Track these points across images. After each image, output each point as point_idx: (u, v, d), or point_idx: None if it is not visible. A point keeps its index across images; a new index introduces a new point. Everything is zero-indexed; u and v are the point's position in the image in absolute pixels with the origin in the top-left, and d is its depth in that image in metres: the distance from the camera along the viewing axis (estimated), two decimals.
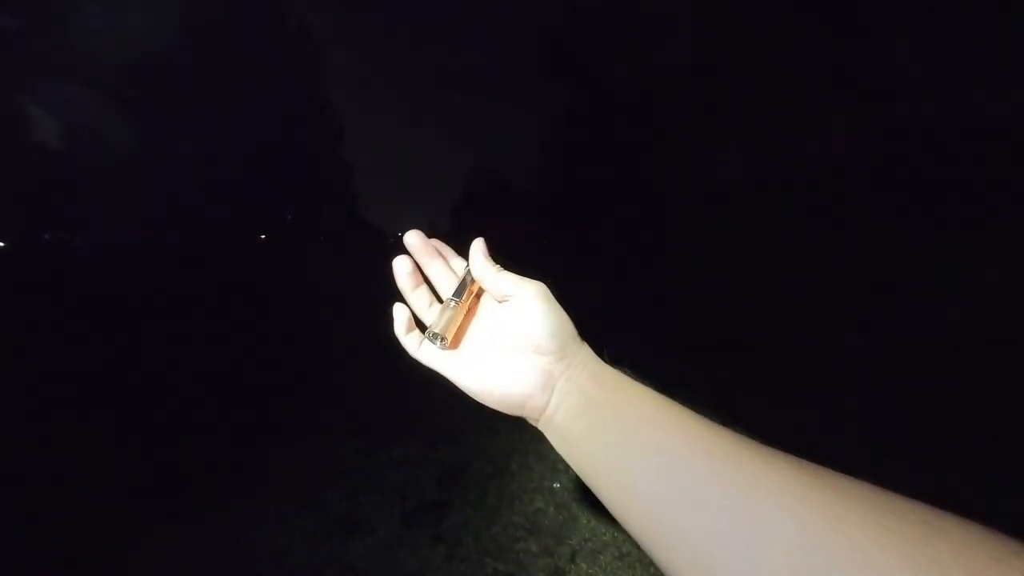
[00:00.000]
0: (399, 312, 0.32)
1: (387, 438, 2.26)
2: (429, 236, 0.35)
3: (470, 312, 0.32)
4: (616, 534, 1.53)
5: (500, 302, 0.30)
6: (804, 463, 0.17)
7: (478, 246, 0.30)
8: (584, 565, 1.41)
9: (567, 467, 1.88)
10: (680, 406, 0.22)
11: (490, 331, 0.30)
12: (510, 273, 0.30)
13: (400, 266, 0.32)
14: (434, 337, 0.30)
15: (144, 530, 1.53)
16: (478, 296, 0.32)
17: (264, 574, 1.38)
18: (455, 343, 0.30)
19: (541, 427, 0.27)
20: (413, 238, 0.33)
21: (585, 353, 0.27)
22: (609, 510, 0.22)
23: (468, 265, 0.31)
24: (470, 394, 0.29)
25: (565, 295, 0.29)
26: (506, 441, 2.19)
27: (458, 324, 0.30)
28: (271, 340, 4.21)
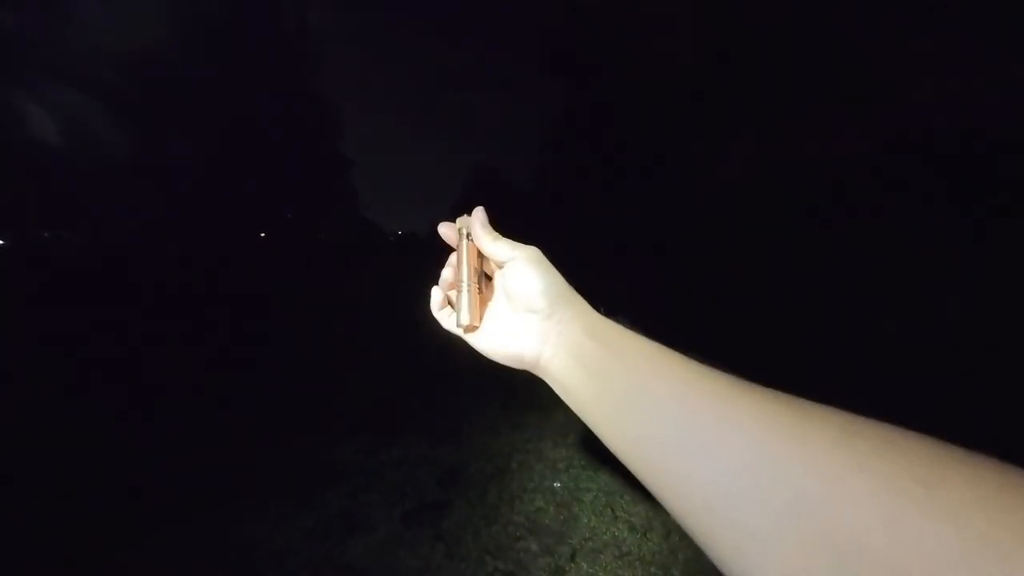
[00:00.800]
0: (435, 293, 0.34)
1: (387, 437, 2.28)
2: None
3: (488, 290, 0.34)
4: (616, 533, 1.53)
5: (499, 267, 0.32)
6: (784, 396, 0.18)
7: (478, 214, 0.32)
8: (584, 564, 1.41)
9: (568, 466, 1.95)
10: (670, 351, 0.23)
11: (496, 294, 0.33)
12: (507, 240, 0.31)
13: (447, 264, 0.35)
14: (465, 329, 0.32)
15: (144, 529, 1.53)
16: (487, 275, 0.34)
17: (264, 573, 1.38)
18: (479, 323, 0.32)
19: (541, 376, 0.28)
20: (445, 229, 0.35)
21: (577, 308, 0.28)
22: (607, 447, 0.23)
23: (467, 232, 0.32)
24: (480, 351, 0.31)
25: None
26: (506, 440, 2.20)
27: (477, 306, 0.32)
28: (271, 339, 4.20)
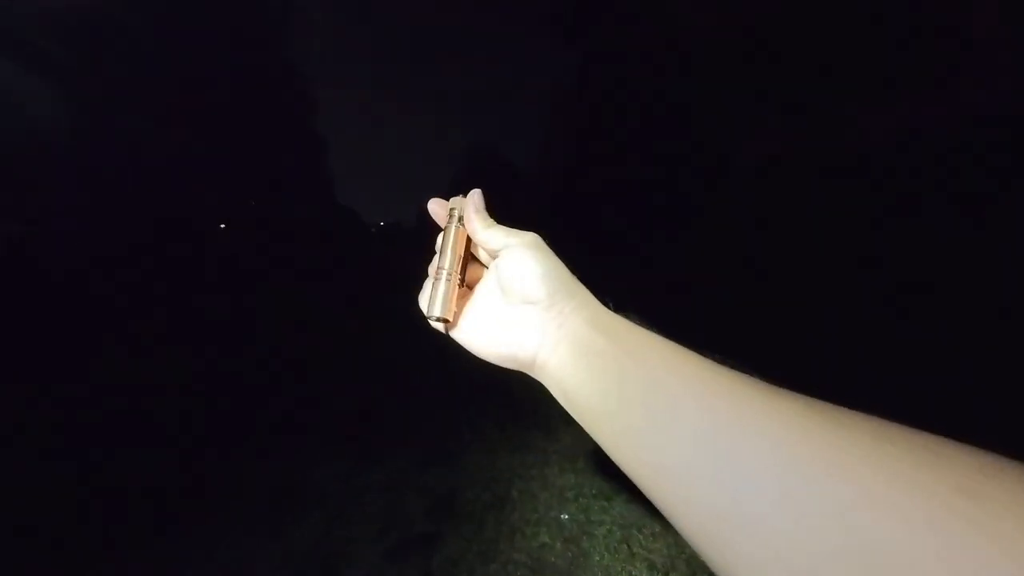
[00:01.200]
0: (426, 285, 0.35)
1: (368, 460, 2.28)
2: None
3: (471, 283, 0.34)
4: (633, 573, 1.52)
5: (493, 257, 0.32)
6: (811, 400, 0.18)
7: (474, 197, 0.33)
8: None
9: (577, 494, 1.94)
10: (685, 349, 0.23)
11: (487, 285, 0.33)
12: (502, 226, 0.32)
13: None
14: (436, 321, 0.32)
15: (91, 561, 1.53)
16: (468, 262, 0.34)
17: None
18: (456, 319, 0.33)
19: (537, 377, 0.29)
20: (435, 206, 0.35)
21: (580, 299, 0.28)
22: (612, 459, 0.23)
23: (458, 215, 0.33)
24: (469, 350, 0.32)
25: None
26: (506, 464, 2.20)
27: (454, 299, 0.32)
28: (232, 345, 4.21)
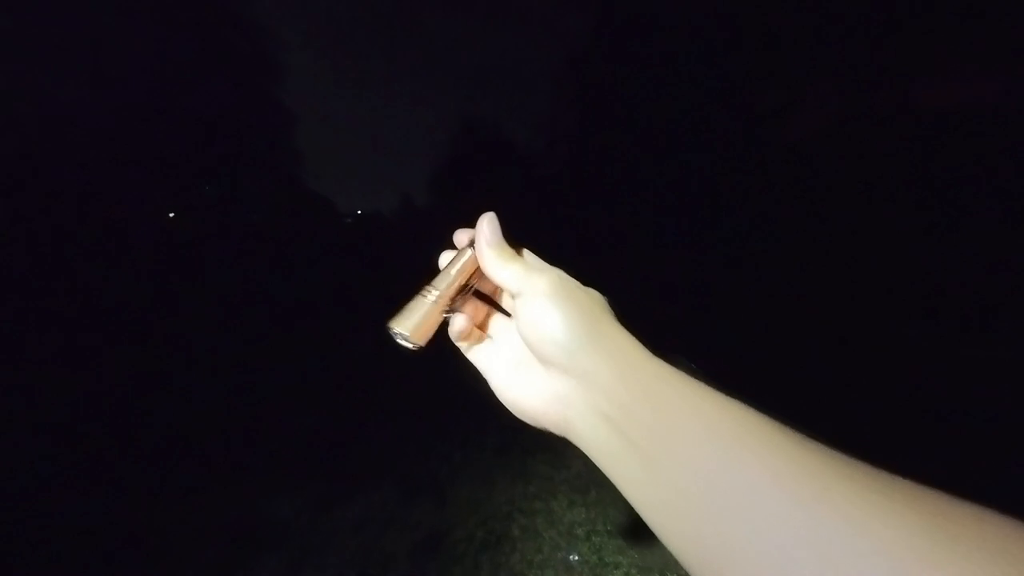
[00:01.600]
0: (455, 320, 0.36)
1: (339, 491, 2.25)
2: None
3: (481, 305, 0.37)
4: None
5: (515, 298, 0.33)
6: (883, 475, 0.19)
7: (486, 225, 0.33)
8: None
9: (589, 532, 1.91)
10: (747, 409, 0.23)
11: (515, 331, 0.35)
12: (520, 262, 0.32)
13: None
14: (396, 335, 0.33)
15: None
16: (470, 291, 0.36)
17: None
18: (428, 342, 0.34)
19: (571, 439, 0.30)
20: (462, 236, 0.37)
21: (607, 354, 0.28)
22: (651, 528, 0.24)
23: (470, 245, 0.34)
24: (502, 402, 0.34)
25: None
26: (505, 496, 2.18)
27: (431, 325, 0.33)
28: (184, 353, 4.18)
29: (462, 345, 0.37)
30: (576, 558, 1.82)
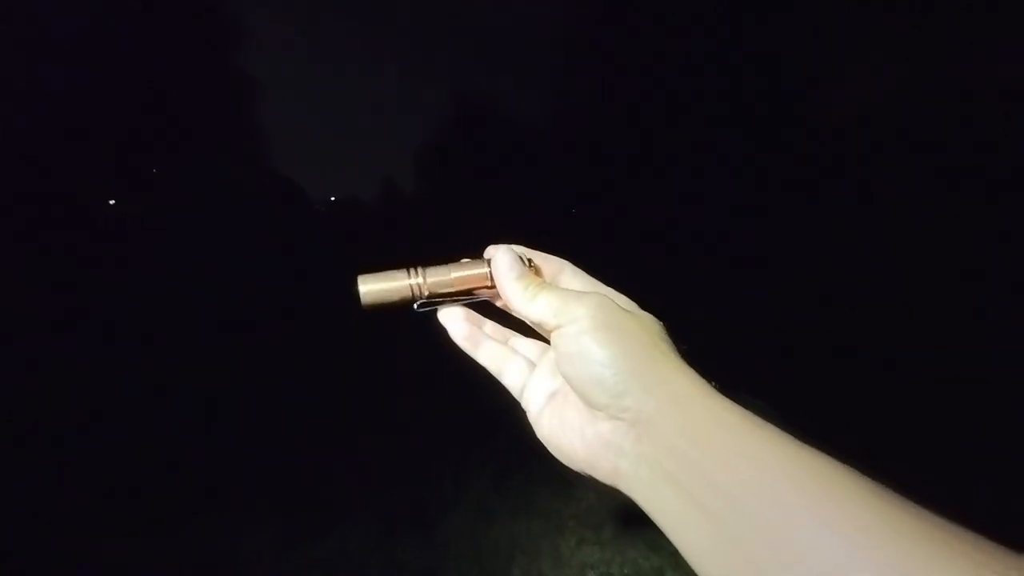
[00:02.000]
0: (450, 323, 0.39)
1: (313, 526, 2.23)
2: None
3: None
4: None
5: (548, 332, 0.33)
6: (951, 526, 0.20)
7: (502, 257, 0.34)
8: None
9: (603, 575, 1.92)
10: (827, 459, 0.23)
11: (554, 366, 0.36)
12: (552, 291, 0.32)
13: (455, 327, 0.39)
14: (357, 287, 0.36)
15: None
16: (470, 299, 0.38)
17: None
18: (375, 310, 0.37)
19: (626, 493, 0.30)
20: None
21: (664, 396, 0.28)
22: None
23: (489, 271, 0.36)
24: (547, 447, 0.35)
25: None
26: (504, 533, 2.18)
27: (389, 296, 0.36)
28: (129, 359, 4.22)
29: (488, 362, 0.38)
30: None
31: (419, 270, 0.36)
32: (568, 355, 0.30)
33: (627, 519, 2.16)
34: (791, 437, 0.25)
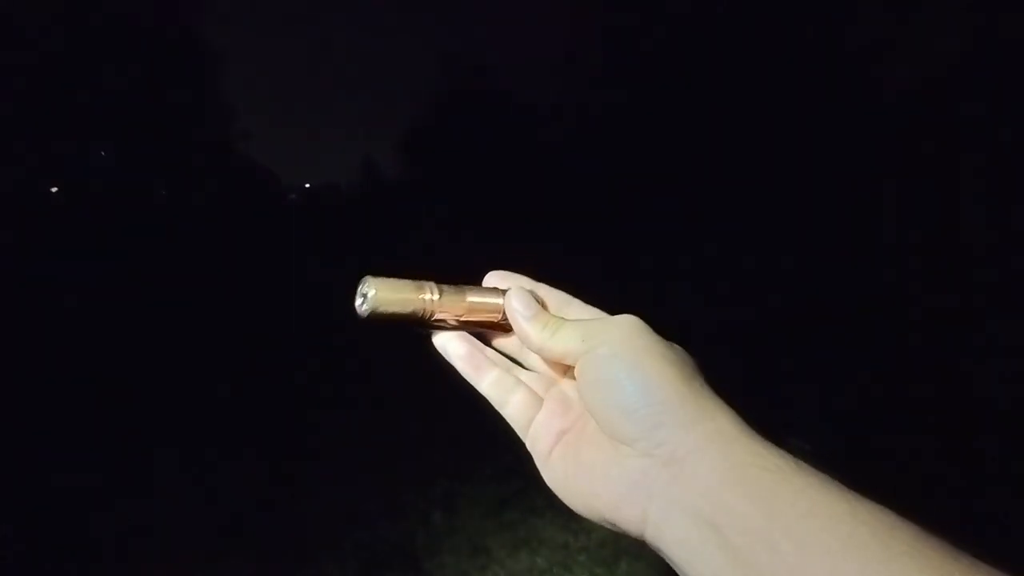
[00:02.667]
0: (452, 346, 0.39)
1: (284, 559, 2.14)
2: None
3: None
4: None
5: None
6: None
7: (517, 300, 0.35)
8: None
9: None
10: (880, 510, 0.24)
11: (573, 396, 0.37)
12: (576, 321, 0.34)
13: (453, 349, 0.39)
14: (362, 289, 0.35)
15: None
16: (478, 328, 0.39)
17: None
18: (379, 321, 0.36)
19: (652, 545, 0.30)
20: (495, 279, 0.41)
21: (704, 433, 0.27)
22: None
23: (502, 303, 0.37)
24: (557, 493, 0.35)
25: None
26: (504, 571, 2.09)
27: (399, 311, 0.35)
28: (64, 374, 4.01)
29: (489, 391, 0.37)
30: None
31: (434, 287, 0.35)
32: (596, 382, 0.30)
33: (643, 554, 2.05)
34: (838, 483, 0.25)
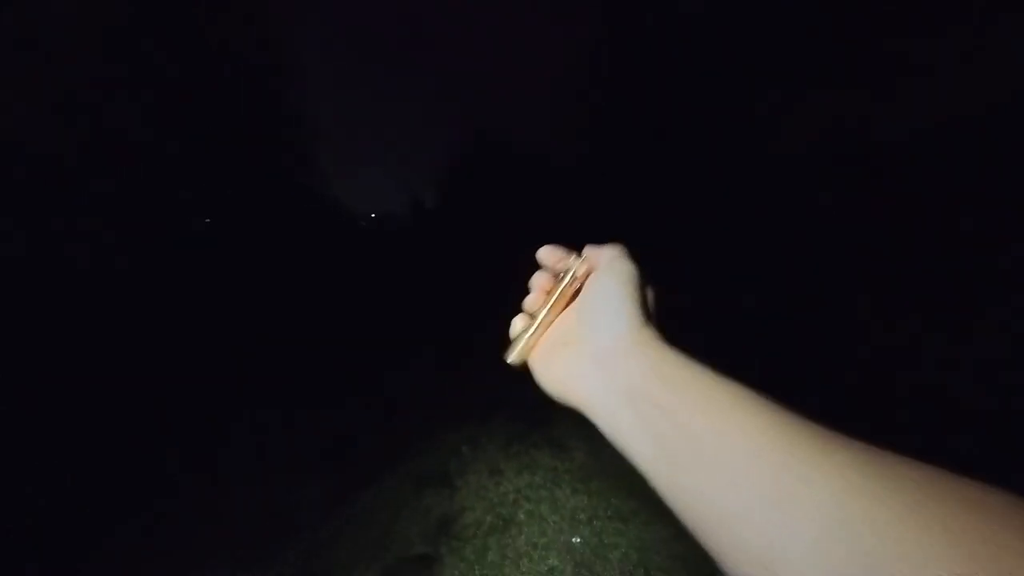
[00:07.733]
0: (516, 320, 0.41)
1: (355, 482, 2.51)
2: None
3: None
4: None
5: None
6: (874, 451, 0.22)
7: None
8: None
9: (591, 517, 2.16)
10: (748, 391, 0.26)
11: (569, 312, 0.38)
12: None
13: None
14: (507, 358, 0.39)
15: None
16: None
17: None
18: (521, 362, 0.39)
19: (588, 416, 0.33)
20: (548, 254, 0.40)
21: (644, 341, 0.31)
22: (663, 500, 0.27)
23: (572, 273, 0.38)
24: (534, 377, 0.38)
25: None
26: (511, 485, 2.42)
27: (534, 345, 0.38)
28: (200, 356, 4.37)
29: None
30: (578, 540, 2.01)
31: (537, 316, 0.38)
32: (593, 295, 0.34)
33: (611, 474, 2.34)
34: (728, 379, 0.27)
